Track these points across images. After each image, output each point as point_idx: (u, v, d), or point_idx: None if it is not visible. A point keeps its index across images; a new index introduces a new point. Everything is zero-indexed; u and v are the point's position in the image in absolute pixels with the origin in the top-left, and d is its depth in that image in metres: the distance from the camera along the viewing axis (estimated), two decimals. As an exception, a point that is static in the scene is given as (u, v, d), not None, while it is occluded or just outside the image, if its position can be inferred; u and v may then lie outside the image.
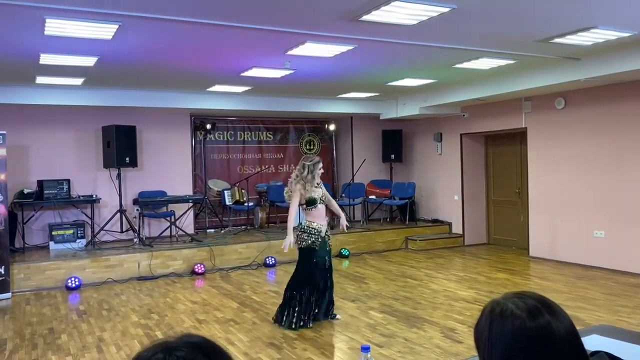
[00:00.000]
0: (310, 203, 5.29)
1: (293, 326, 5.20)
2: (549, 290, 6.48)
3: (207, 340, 0.93)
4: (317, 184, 5.39)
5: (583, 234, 7.98)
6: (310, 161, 5.35)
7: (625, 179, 7.41)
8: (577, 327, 1.16)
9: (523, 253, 9.01)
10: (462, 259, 8.97)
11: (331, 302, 5.53)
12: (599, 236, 7.77)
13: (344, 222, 5.69)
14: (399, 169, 11.46)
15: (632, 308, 5.71)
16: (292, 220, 5.33)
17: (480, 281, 7.23)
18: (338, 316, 5.54)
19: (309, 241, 5.26)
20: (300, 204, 5.35)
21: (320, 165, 5.40)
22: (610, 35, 5.50)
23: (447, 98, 9.15)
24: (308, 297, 5.26)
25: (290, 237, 5.26)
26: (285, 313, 5.31)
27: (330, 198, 5.67)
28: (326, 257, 5.40)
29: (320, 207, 5.36)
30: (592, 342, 2.02)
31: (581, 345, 1.14)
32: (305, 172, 5.30)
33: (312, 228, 5.29)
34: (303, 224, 5.38)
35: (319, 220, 5.35)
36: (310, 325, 5.26)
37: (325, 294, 5.42)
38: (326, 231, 5.42)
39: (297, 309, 5.24)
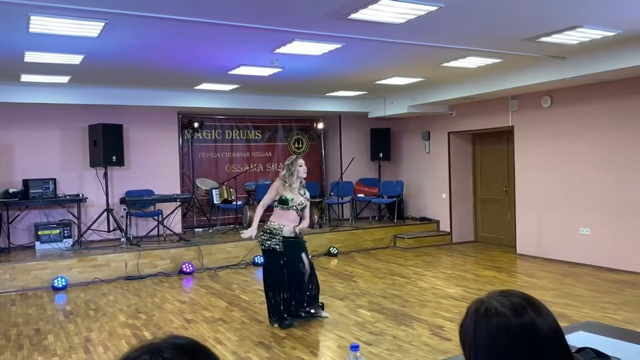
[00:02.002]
0: (281, 202, 5.25)
1: (273, 324, 5.26)
2: (536, 288, 6.54)
3: (193, 341, 0.93)
4: (302, 193, 5.33)
5: (569, 232, 8.06)
6: (289, 160, 5.36)
7: (611, 177, 7.48)
8: (564, 324, 1.17)
9: (510, 251, 9.08)
10: (450, 257, 9.02)
11: (310, 299, 5.40)
12: (585, 233, 7.85)
13: (300, 225, 5.30)
14: (387, 168, 11.49)
15: (617, 304, 5.78)
16: (257, 214, 5.39)
17: (468, 279, 7.27)
18: (324, 313, 5.51)
19: (268, 242, 5.23)
20: (274, 201, 5.34)
21: (300, 162, 5.31)
22: (596, 34, 5.55)
23: (435, 97, 9.19)
24: (275, 296, 5.25)
25: (252, 230, 5.29)
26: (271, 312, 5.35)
27: (307, 215, 5.42)
28: (300, 256, 5.29)
29: (290, 212, 5.26)
30: (578, 339, 2.04)
31: (565, 342, 1.15)
32: (284, 171, 5.32)
33: (272, 229, 5.23)
34: (266, 224, 5.33)
35: (281, 220, 5.24)
36: (288, 322, 5.22)
37: (300, 290, 5.32)
38: (295, 232, 5.27)
39: (268, 307, 5.31)
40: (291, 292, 5.32)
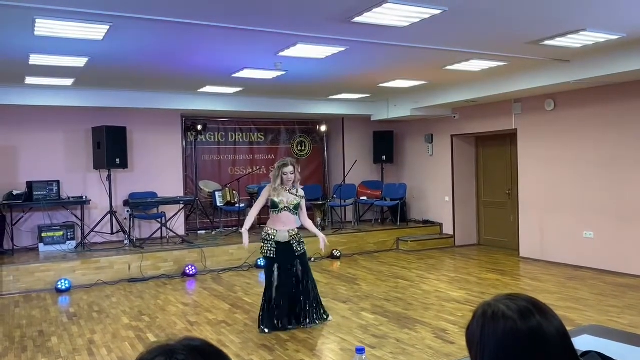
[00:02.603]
0: (271, 206, 5.18)
1: (259, 329, 5.19)
2: (540, 291, 6.52)
3: (207, 343, 0.94)
4: (294, 192, 5.18)
5: (573, 235, 8.05)
6: (279, 163, 5.26)
7: (615, 180, 7.47)
8: (568, 328, 1.17)
9: (513, 254, 9.06)
10: (453, 260, 9.01)
11: (307, 310, 5.26)
12: (588, 237, 7.83)
13: (322, 244, 5.38)
14: (390, 170, 11.49)
15: (621, 308, 5.76)
16: (248, 220, 5.32)
17: (471, 282, 7.26)
18: (330, 317, 5.49)
19: (263, 250, 5.19)
20: (267, 205, 5.29)
21: (286, 170, 5.11)
22: (599, 37, 5.55)
23: (438, 99, 9.19)
24: (270, 303, 5.16)
25: (244, 237, 5.23)
26: (260, 316, 5.27)
27: (304, 214, 5.35)
28: (292, 264, 5.18)
29: (283, 214, 5.15)
30: (583, 342, 2.04)
31: (571, 345, 1.15)
32: (274, 173, 5.23)
33: (266, 234, 5.17)
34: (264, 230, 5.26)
35: (276, 225, 5.16)
36: (281, 327, 5.15)
37: (297, 300, 5.22)
38: (292, 237, 5.16)
39: (260, 313, 5.23)
40: (282, 301, 5.18)
